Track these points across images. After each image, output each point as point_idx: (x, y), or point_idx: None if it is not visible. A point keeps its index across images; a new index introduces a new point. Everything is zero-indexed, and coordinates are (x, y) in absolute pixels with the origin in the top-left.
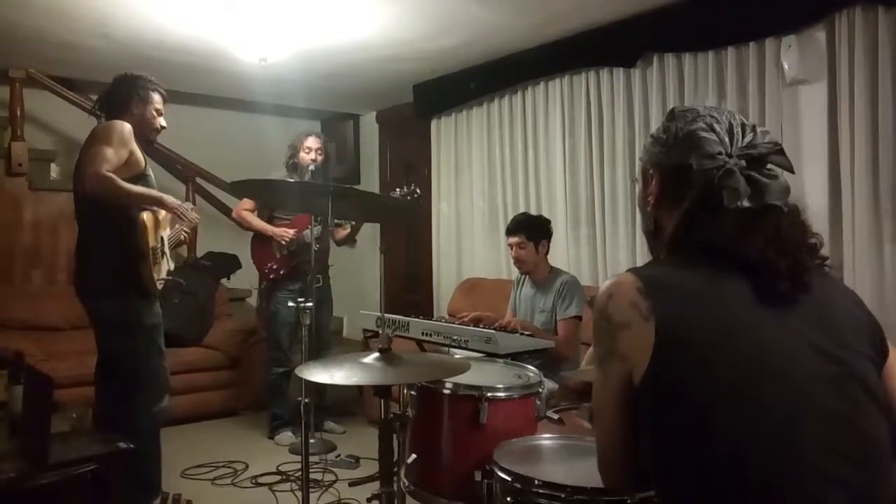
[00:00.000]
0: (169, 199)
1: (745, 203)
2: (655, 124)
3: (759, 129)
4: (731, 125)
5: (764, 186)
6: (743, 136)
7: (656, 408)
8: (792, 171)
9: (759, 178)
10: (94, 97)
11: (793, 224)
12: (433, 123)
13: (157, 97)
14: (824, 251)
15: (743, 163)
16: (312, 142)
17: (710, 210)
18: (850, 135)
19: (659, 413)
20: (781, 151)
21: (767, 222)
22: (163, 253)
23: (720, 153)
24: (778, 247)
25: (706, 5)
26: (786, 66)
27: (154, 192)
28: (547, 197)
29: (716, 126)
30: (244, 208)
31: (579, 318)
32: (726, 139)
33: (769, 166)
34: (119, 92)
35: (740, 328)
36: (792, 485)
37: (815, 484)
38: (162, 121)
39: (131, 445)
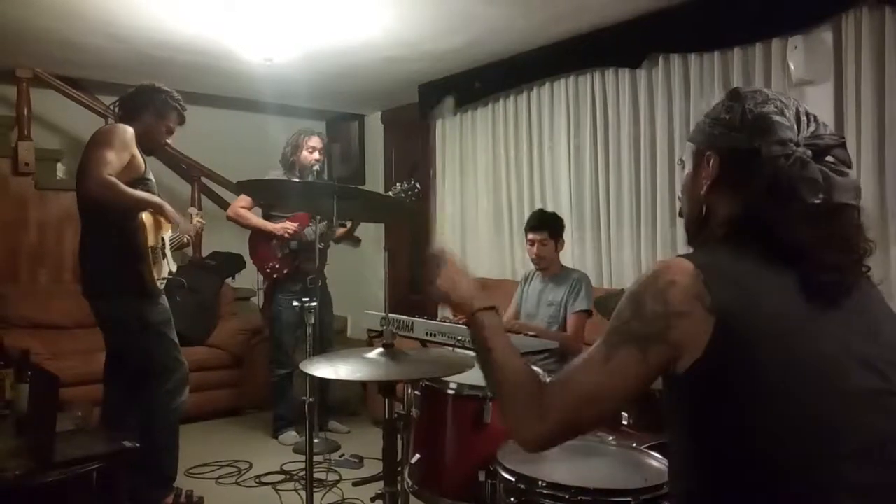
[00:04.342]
0: (169, 209)
1: (817, 199)
2: (661, 124)
3: (820, 121)
4: (797, 111)
5: (835, 183)
6: (808, 125)
7: (701, 400)
8: (850, 168)
9: (830, 174)
10: (101, 97)
11: (855, 225)
12: (438, 124)
13: (174, 116)
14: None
15: (809, 152)
16: (317, 142)
17: (778, 200)
18: (857, 136)
19: (703, 406)
20: (844, 146)
21: (836, 221)
22: (164, 253)
23: (790, 140)
24: (838, 245)
25: (712, 6)
26: (792, 67)
27: (156, 199)
28: (552, 197)
29: (786, 111)
30: (240, 205)
31: (589, 312)
32: (795, 126)
33: (831, 159)
34: (137, 99)
35: (796, 332)
36: (824, 496)
37: (847, 497)
38: (169, 140)
39: (136, 444)
